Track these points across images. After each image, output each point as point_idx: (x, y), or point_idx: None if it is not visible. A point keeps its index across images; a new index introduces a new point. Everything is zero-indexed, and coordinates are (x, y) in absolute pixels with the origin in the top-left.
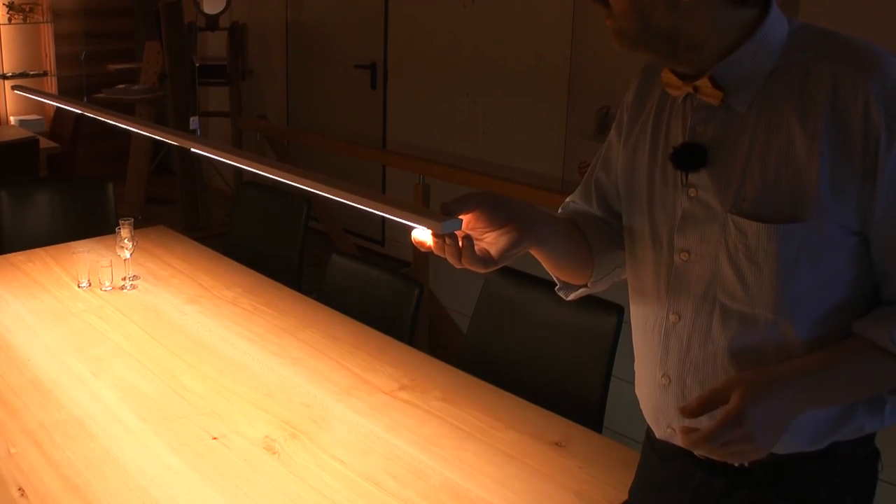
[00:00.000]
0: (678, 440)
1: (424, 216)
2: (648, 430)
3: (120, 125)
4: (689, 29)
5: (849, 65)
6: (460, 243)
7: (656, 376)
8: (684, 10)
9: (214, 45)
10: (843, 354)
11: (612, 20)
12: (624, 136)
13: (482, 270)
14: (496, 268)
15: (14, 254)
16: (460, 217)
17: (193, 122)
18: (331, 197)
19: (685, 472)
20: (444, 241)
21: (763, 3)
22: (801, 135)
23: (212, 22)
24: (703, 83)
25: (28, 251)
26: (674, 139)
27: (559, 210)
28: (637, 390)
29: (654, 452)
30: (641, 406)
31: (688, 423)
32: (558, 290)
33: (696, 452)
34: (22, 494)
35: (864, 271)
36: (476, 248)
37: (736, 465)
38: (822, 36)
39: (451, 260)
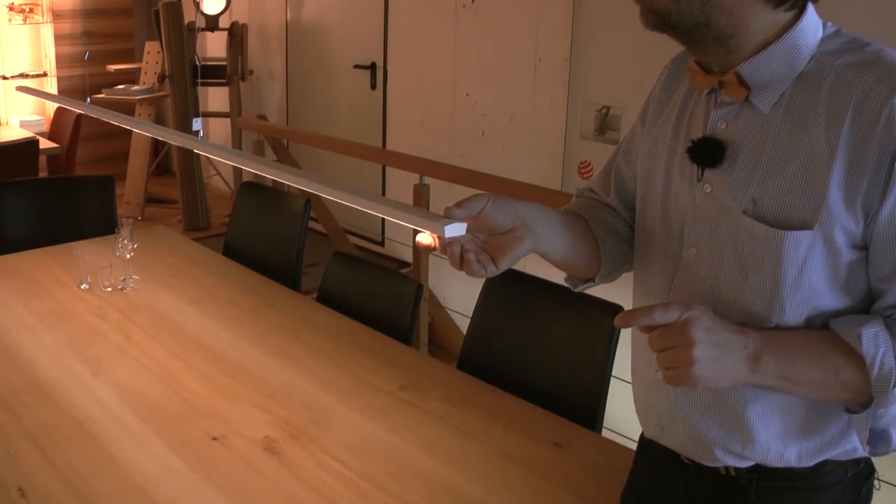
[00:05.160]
0: (664, 439)
1: (428, 219)
2: (641, 434)
3: (125, 126)
4: (720, 21)
5: (877, 77)
6: (462, 249)
7: (651, 371)
8: (719, 2)
9: (214, 46)
10: (807, 330)
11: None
12: (647, 126)
13: (482, 276)
14: (497, 273)
15: (14, 254)
16: (465, 221)
17: (196, 122)
18: (332, 199)
19: (671, 480)
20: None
21: (800, 6)
22: (821, 142)
23: (212, 22)
24: (730, 78)
25: (28, 251)
26: (694, 133)
27: (574, 196)
28: (632, 386)
29: (644, 456)
30: (634, 402)
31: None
32: (566, 280)
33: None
34: (22, 495)
35: (868, 290)
36: (478, 252)
37: (722, 472)
38: (855, 44)
39: (452, 264)
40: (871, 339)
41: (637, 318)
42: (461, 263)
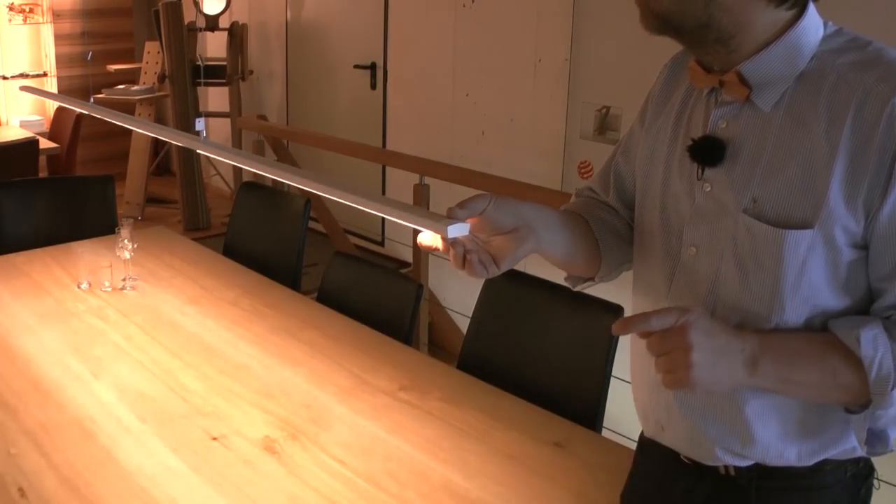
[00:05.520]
0: (664, 438)
1: (432, 220)
2: (641, 434)
3: (128, 126)
4: (723, 20)
5: (879, 76)
6: (467, 246)
7: (652, 370)
8: (721, 2)
9: (214, 46)
10: (805, 332)
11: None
12: (647, 125)
13: (483, 277)
14: (498, 274)
15: (14, 254)
16: (467, 221)
17: (199, 122)
18: (334, 198)
19: (671, 479)
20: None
21: (801, 4)
22: (821, 141)
23: (212, 22)
24: (730, 78)
25: (28, 251)
26: (694, 132)
27: (573, 196)
28: (632, 386)
29: (644, 455)
30: (634, 400)
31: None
32: (566, 279)
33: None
34: (22, 495)
35: (868, 290)
36: (479, 252)
37: (722, 471)
38: (856, 43)
39: (454, 264)
40: (870, 341)
41: (634, 324)
42: (463, 264)
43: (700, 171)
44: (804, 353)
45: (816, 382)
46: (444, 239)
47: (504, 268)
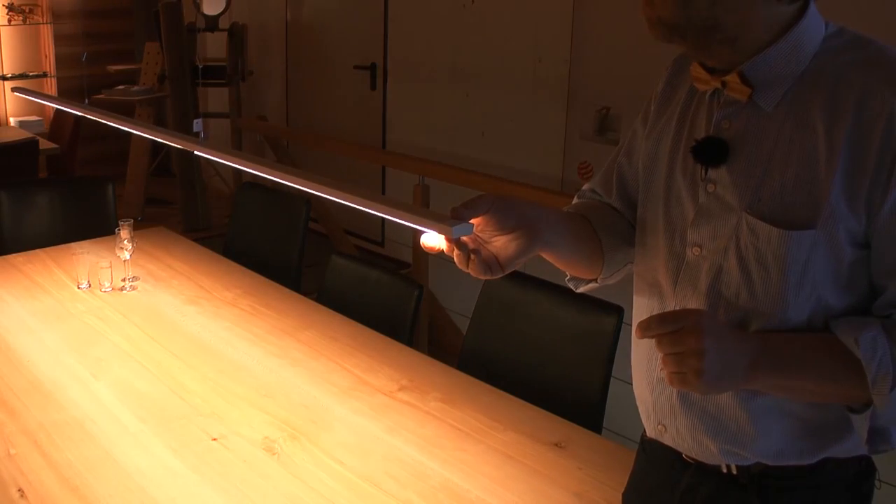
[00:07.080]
0: (666, 438)
1: (436, 220)
2: (642, 434)
3: (123, 128)
4: (728, 20)
5: (879, 77)
6: (470, 246)
7: (654, 369)
8: (726, 1)
9: (214, 46)
10: (806, 334)
11: (650, 8)
12: (649, 126)
13: (488, 277)
14: (502, 275)
15: (14, 255)
16: (471, 221)
17: (197, 123)
18: (335, 199)
19: (673, 478)
20: (455, 245)
21: (802, 2)
22: (823, 141)
23: (211, 23)
24: (732, 78)
25: (28, 252)
26: (697, 133)
27: (576, 197)
28: (634, 385)
29: (645, 455)
30: (637, 401)
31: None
32: (568, 280)
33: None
34: (22, 495)
35: (871, 286)
36: (483, 253)
37: (724, 471)
38: (857, 43)
39: (459, 264)
40: (870, 343)
41: (652, 327)
42: (468, 264)
43: (704, 171)
44: (804, 356)
45: (816, 385)
46: (449, 239)
47: (508, 268)
